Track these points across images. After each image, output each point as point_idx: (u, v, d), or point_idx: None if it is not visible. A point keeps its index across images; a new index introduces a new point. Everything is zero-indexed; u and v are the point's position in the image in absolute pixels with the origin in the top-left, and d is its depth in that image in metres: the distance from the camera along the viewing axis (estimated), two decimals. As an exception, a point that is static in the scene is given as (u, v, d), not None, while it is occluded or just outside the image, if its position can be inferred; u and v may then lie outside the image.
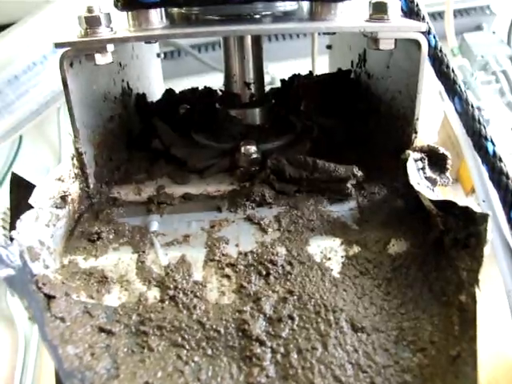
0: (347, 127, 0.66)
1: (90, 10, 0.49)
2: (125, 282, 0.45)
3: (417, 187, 0.47)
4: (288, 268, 0.45)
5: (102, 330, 0.41)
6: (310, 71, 0.75)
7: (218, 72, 1.40)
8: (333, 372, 0.37)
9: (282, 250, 0.48)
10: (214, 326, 0.41)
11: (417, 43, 0.50)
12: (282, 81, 0.77)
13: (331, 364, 0.38)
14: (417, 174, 0.50)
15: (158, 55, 0.83)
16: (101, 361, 0.38)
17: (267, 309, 0.42)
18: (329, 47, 0.88)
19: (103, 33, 0.49)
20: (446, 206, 0.44)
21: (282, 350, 0.39)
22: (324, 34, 0.87)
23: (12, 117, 0.86)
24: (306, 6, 0.61)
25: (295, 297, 0.43)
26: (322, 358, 0.38)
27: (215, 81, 1.36)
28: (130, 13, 0.52)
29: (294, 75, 0.77)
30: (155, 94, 0.82)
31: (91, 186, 0.55)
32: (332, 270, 0.46)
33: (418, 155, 0.51)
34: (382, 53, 0.61)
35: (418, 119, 0.54)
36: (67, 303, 0.41)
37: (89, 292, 0.44)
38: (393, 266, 0.46)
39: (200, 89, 0.76)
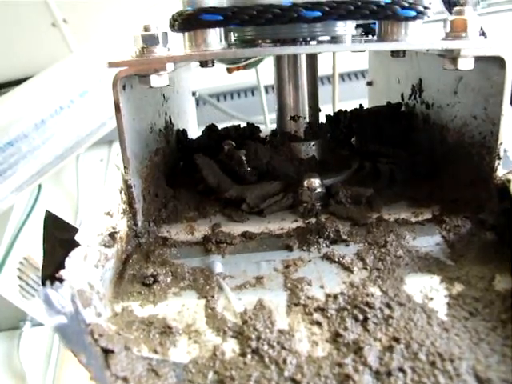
0: (410, 161, 0.61)
1: (146, 28, 0.45)
2: (193, 332, 0.37)
3: None
4: (387, 311, 0.38)
5: (173, 393, 0.32)
6: (361, 104, 0.71)
7: (236, 120, 1.38)
8: None
9: (376, 291, 0.40)
10: (312, 385, 0.33)
11: (500, 61, 0.46)
12: (328, 116, 0.72)
13: None
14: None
15: (194, 94, 0.79)
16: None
17: (372, 360, 0.34)
18: (369, 83, 0.84)
19: (160, 52, 0.45)
20: None
21: None
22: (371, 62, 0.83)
23: (37, 161, 0.81)
24: (366, 29, 0.58)
25: (402, 345, 0.35)
26: None
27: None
28: (186, 34, 0.48)
29: (340, 111, 0.73)
30: (192, 132, 0.77)
31: (139, 223, 0.49)
32: (437, 311, 0.39)
33: (517, 179, 0.45)
34: (446, 79, 0.58)
35: (501, 143, 0.49)
36: (128, 359, 0.33)
37: (151, 345, 0.36)
38: (505, 306, 0.39)
39: (243, 126, 0.71)
